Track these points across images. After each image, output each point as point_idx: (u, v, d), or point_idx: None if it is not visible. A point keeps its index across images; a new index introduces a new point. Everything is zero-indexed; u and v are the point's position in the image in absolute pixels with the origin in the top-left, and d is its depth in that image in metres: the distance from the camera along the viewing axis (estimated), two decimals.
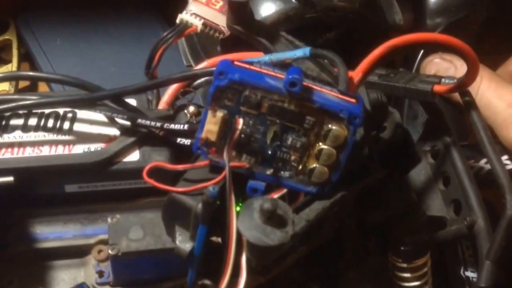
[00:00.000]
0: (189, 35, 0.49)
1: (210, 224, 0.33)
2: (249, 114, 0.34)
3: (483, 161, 0.49)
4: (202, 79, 0.43)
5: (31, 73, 0.49)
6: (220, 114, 0.34)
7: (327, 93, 0.35)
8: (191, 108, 0.44)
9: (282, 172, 0.35)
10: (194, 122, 0.44)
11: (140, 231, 0.38)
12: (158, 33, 0.57)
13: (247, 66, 0.35)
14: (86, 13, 0.65)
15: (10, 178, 0.38)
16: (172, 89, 0.46)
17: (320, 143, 0.34)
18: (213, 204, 0.32)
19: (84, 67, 0.62)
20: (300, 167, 0.35)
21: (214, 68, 0.33)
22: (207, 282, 0.35)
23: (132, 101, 0.45)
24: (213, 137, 0.34)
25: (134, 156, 0.42)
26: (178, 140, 0.41)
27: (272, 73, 0.34)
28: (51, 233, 0.42)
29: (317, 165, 0.34)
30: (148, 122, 0.42)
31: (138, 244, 0.37)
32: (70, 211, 0.42)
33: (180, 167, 0.36)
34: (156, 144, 0.42)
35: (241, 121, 0.34)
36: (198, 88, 0.44)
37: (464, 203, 0.40)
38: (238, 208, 0.33)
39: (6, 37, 0.62)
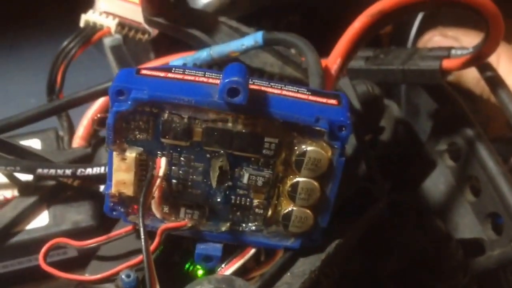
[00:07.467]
0: (116, 43, 0.40)
1: None
2: (176, 148, 0.23)
3: None
4: None
5: None
6: (131, 154, 0.23)
7: (293, 97, 0.23)
8: None
9: (244, 225, 0.25)
10: None
11: None
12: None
13: (161, 74, 0.22)
14: None
15: None
16: (88, 118, 0.36)
17: (293, 175, 0.24)
18: None
19: None
20: (270, 213, 0.25)
21: None
22: None
23: (36, 142, 0.35)
24: (128, 190, 0.24)
25: (41, 221, 0.32)
26: (102, 188, 0.32)
27: (203, 79, 0.23)
28: None
29: (294, 208, 0.24)
30: (52, 171, 0.31)
31: None
32: None
33: (88, 243, 0.26)
34: (72, 197, 0.32)
35: (163, 161, 0.21)
36: None
37: (506, 217, 0.31)
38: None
39: None
